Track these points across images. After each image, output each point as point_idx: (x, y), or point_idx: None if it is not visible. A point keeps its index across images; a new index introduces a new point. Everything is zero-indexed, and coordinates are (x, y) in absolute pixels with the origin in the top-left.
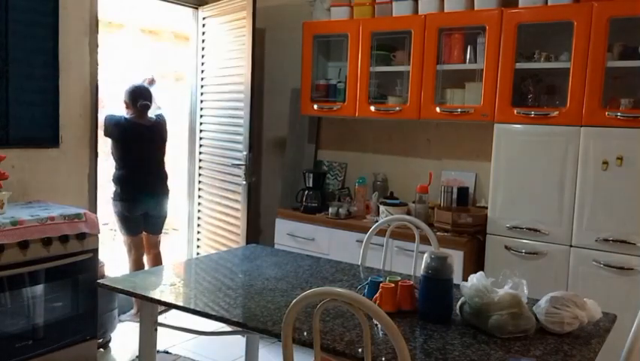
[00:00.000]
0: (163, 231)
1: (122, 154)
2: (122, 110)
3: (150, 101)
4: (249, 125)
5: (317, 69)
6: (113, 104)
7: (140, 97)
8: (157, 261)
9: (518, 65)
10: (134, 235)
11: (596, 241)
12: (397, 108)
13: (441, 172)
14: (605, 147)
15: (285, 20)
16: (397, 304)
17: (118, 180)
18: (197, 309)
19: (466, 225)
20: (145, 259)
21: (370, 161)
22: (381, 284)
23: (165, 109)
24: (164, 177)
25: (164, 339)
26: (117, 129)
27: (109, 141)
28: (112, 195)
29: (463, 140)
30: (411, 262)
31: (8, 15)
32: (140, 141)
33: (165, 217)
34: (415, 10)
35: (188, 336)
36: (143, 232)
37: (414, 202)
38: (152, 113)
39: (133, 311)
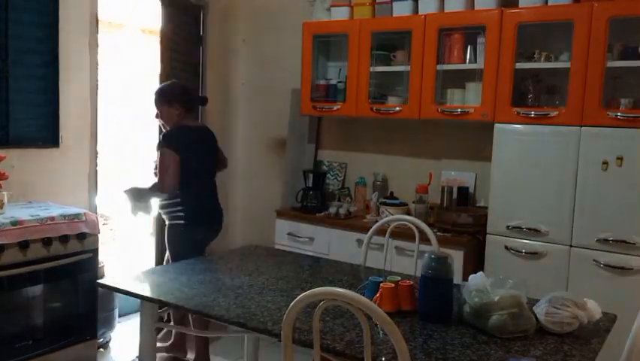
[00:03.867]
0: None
1: (194, 170)
2: (155, 121)
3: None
4: None
5: (317, 69)
6: (113, 106)
7: (192, 93)
8: None
9: (518, 65)
10: None
11: (596, 241)
12: (397, 108)
13: (441, 172)
14: (605, 147)
15: (285, 20)
16: (397, 304)
17: (194, 201)
18: (197, 309)
19: (466, 225)
20: None
21: (370, 161)
22: (381, 284)
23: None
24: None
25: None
26: (186, 139)
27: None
28: (183, 220)
29: (463, 140)
30: (411, 262)
31: (8, 15)
32: (207, 149)
33: None
34: (415, 10)
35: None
36: None
37: (414, 202)
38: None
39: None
